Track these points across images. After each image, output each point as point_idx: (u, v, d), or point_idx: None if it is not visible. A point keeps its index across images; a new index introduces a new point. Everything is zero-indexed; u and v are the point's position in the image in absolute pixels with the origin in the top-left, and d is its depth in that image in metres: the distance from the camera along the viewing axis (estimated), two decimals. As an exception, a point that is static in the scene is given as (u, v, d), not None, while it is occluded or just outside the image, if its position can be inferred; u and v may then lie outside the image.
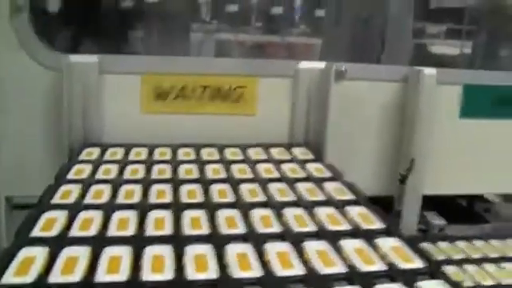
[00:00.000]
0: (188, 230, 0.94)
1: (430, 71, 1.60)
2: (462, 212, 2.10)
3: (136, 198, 1.08)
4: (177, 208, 1.03)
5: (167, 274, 0.77)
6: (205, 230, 0.94)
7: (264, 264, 0.81)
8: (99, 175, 1.22)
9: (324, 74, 1.54)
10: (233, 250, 0.85)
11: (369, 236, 0.93)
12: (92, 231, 0.92)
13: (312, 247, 0.87)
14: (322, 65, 1.56)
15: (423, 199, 1.74)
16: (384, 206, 1.66)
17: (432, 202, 1.84)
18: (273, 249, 0.86)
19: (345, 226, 0.98)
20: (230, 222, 0.98)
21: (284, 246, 0.87)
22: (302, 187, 1.18)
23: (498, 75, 1.79)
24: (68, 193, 1.09)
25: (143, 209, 1.02)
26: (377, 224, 1.00)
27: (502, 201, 2.17)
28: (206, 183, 1.17)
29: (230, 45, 6.43)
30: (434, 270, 0.81)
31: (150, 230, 0.93)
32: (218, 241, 0.89)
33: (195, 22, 6.20)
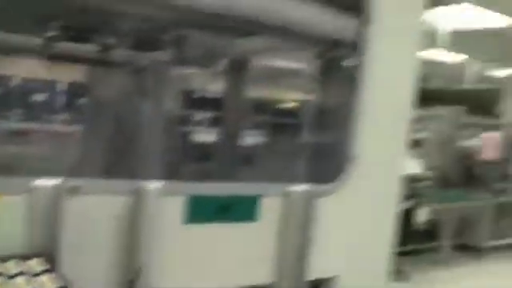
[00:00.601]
0: None
1: (154, 185, 1.86)
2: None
3: None
4: None
5: None
6: None
7: None
8: None
9: (58, 189, 1.72)
10: None
11: None
12: None
13: None
14: (56, 181, 1.74)
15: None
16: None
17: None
18: None
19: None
20: None
21: None
22: (30, 300, 1.34)
23: (219, 186, 2.13)
24: None
25: None
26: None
27: None
28: None
29: (-15, 132, 6.19)
30: None
31: None
32: None
33: None
